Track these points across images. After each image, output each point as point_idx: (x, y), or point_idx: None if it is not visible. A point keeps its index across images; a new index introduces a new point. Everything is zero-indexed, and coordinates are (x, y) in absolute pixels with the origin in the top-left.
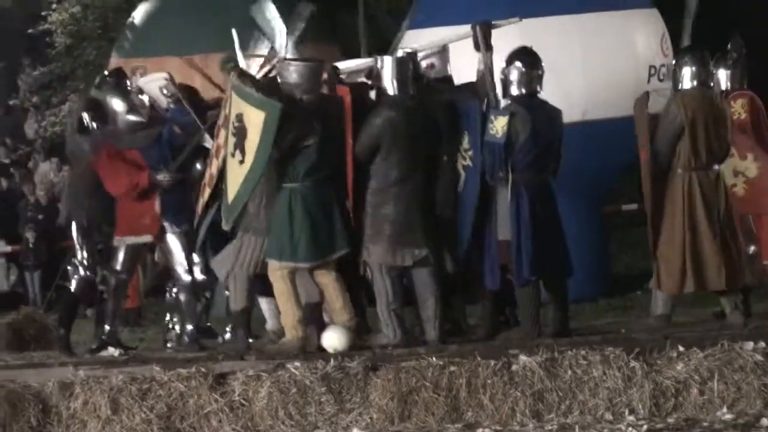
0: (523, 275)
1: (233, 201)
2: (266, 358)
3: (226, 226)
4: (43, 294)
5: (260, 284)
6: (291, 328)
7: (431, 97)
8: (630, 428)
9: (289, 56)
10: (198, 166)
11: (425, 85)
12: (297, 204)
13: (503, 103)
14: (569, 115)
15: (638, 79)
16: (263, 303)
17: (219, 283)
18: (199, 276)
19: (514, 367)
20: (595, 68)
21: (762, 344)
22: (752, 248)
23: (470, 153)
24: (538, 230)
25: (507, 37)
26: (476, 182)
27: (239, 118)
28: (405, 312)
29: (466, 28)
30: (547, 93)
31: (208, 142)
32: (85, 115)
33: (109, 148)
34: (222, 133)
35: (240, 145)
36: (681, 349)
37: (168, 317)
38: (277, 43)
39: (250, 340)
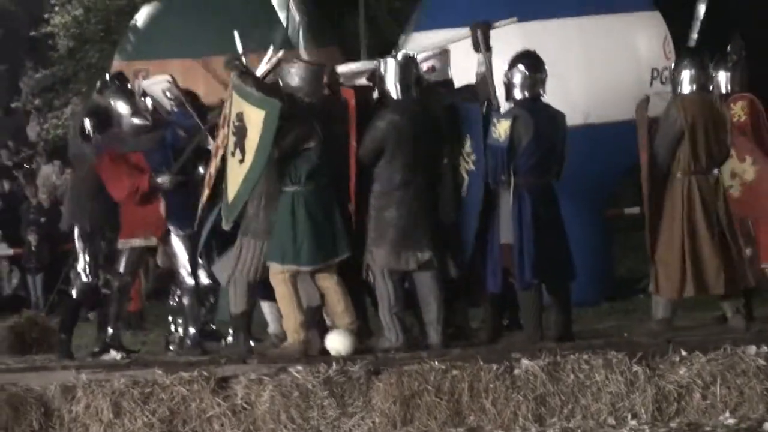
0: (525, 279)
1: (233, 200)
2: (268, 361)
3: (226, 226)
4: (45, 297)
5: (262, 288)
6: (293, 332)
7: (431, 100)
8: None
9: (290, 55)
10: (201, 169)
11: (425, 88)
12: (299, 207)
13: (504, 105)
14: (571, 119)
15: (640, 82)
16: (265, 307)
17: (223, 287)
18: (203, 280)
19: (516, 371)
20: (597, 71)
21: (765, 348)
22: (749, 251)
23: (473, 157)
24: (541, 233)
25: (509, 40)
26: (480, 186)
27: (239, 117)
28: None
29: (465, 30)
30: (549, 96)
31: (210, 145)
32: (87, 122)
33: (111, 151)
34: (221, 133)
35: (240, 144)
36: (683, 353)
37: (171, 320)
38: (289, 30)
39: (252, 344)
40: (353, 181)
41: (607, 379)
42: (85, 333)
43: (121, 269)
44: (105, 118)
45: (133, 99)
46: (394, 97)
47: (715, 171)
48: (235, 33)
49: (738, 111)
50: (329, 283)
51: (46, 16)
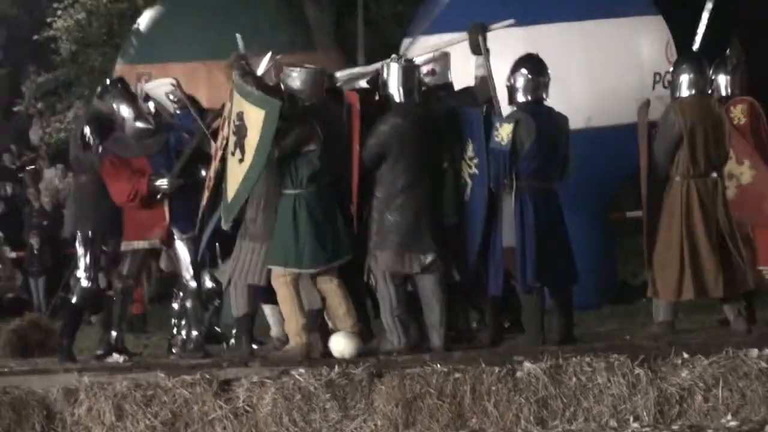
0: (527, 282)
1: (232, 200)
2: (270, 364)
3: (225, 226)
4: (47, 300)
5: (264, 291)
6: (295, 335)
7: (432, 103)
8: None
9: (291, 59)
10: (204, 172)
11: (425, 92)
12: (301, 210)
13: (507, 108)
14: (573, 122)
15: (643, 86)
16: (267, 310)
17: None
18: (207, 283)
19: (518, 374)
20: (600, 75)
21: (767, 351)
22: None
23: (475, 161)
24: (543, 237)
25: (512, 44)
26: (484, 190)
27: (240, 116)
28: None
29: (462, 33)
30: (551, 100)
31: (212, 148)
32: (87, 129)
33: (112, 156)
34: (221, 135)
35: (240, 144)
36: (685, 356)
37: (175, 323)
38: None
39: (255, 347)
40: (356, 184)
41: (609, 381)
42: (87, 336)
43: (125, 272)
44: (107, 123)
45: (135, 103)
46: (397, 101)
47: (714, 174)
48: (238, 36)
49: (738, 114)
50: (330, 286)
51: (48, 19)
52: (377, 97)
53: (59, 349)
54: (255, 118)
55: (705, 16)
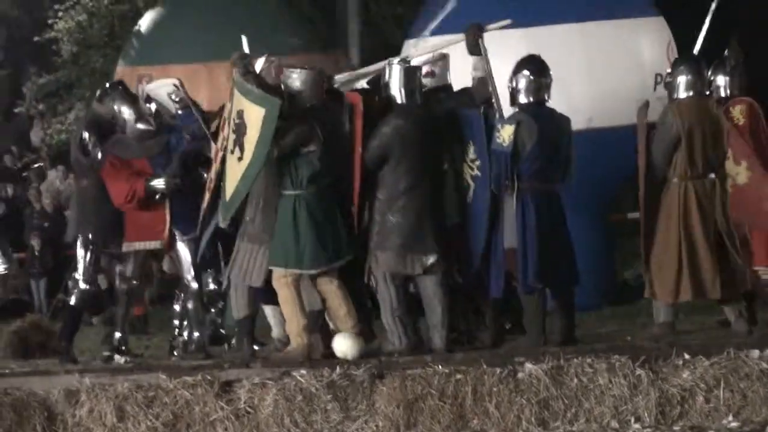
0: (528, 283)
1: (231, 198)
2: (272, 365)
3: (222, 224)
4: (48, 301)
5: (264, 292)
6: (296, 336)
7: (431, 105)
8: None
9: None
10: (205, 174)
11: (424, 93)
12: (301, 210)
13: (508, 110)
14: (574, 123)
15: (644, 87)
16: (268, 311)
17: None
18: (210, 285)
19: (519, 375)
20: (601, 76)
21: None
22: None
23: (477, 163)
24: (544, 238)
25: (514, 45)
26: (486, 192)
27: (239, 114)
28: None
29: (459, 35)
30: (552, 101)
31: (212, 150)
32: (86, 135)
33: (113, 157)
34: (221, 136)
35: (239, 142)
36: (687, 357)
37: (177, 324)
38: None
39: (256, 348)
40: (357, 185)
41: (610, 382)
42: (87, 337)
43: (129, 273)
44: (106, 127)
45: (137, 104)
46: (399, 102)
47: (712, 175)
48: (243, 38)
49: (737, 114)
50: (331, 287)
51: (50, 21)
52: (377, 98)
53: (59, 351)
54: (255, 116)
55: (708, 20)
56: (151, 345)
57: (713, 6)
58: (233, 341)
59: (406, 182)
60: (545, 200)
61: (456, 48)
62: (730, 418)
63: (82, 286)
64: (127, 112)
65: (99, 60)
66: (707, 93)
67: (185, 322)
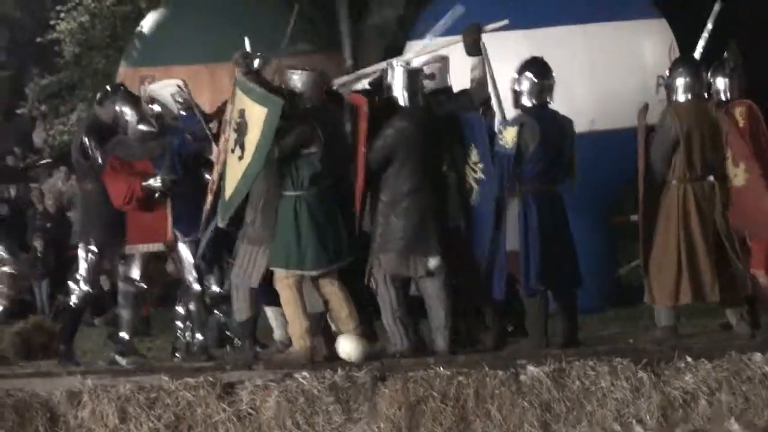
0: (530, 285)
1: (230, 197)
2: (274, 367)
3: (221, 224)
4: (50, 303)
5: (266, 294)
6: (299, 338)
7: (432, 107)
8: None
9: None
10: (207, 175)
11: (425, 95)
12: (303, 212)
13: (511, 112)
14: (576, 126)
15: (646, 89)
16: (269, 312)
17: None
18: (213, 287)
19: (522, 378)
20: (603, 78)
21: None
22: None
23: (481, 166)
24: (547, 240)
25: (515, 47)
26: (491, 195)
27: (241, 113)
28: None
29: (457, 36)
30: (555, 103)
31: (213, 152)
32: (86, 140)
33: (114, 159)
34: (223, 138)
35: (240, 141)
36: (689, 360)
37: (180, 325)
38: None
39: (258, 350)
40: (361, 187)
41: (612, 385)
42: (89, 338)
43: (136, 275)
44: (107, 129)
45: (139, 106)
46: (402, 104)
47: (711, 177)
48: (246, 39)
49: (737, 117)
50: (332, 289)
51: (52, 22)
52: (377, 99)
53: (59, 353)
54: (257, 115)
55: (710, 23)
56: (154, 346)
57: (716, 8)
58: (236, 342)
59: (409, 184)
60: (548, 202)
61: (455, 49)
62: (733, 421)
63: (84, 287)
64: (129, 114)
65: (101, 61)
66: (706, 95)
67: (188, 324)
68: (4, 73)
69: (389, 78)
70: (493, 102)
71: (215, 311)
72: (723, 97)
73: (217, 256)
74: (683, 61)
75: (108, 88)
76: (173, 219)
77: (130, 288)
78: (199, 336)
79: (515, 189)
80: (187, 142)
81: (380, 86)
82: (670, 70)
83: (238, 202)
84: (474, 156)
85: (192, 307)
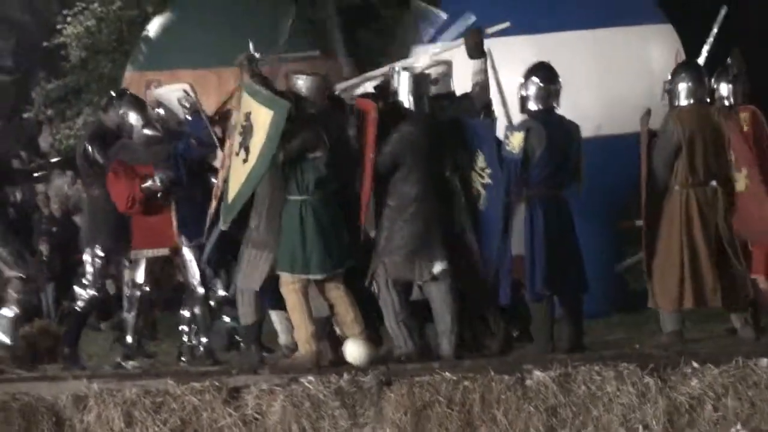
0: (536, 290)
1: (233, 200)
2: (280, 372)
3: (223, 226)
4: (56, 306)
5: (271, 298)
6: (304, 343)
7: (436, 112)
8: None
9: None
10: (213, 180)
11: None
12: (308, 216)
13: (518, 117)
14: (583, 131)
15: (652, 95)
16: (275, 317)
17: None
18: (220, 291)
19: (527, 383)
20: (609, 83)
21: None
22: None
23: (488, 171)
24: (553, 245)
25: (522, 52)
26: (499, 200)
27: (247, 116)
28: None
29: (459, 40)
30: (562, 108)
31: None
32: (89, 148)
33: (117, 163)
34: (228, 143)
35: (245, 144)
36: (695, 365)
37: (185, 329)
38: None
39: (265, 354)
40: (367, 192)
41: (618, 390)
42: (95, 342)
43: (140, 280)
44: (111, 136)
45: (145, 110)
46: (409, 110)
47: (713, 182)
48: (250, 43)
49: (740, 122)
50: (338, 294)
51: (58, 26)
52: (382, 104)
53: (63, 356)
54: (263, 118)
55: (715, 29)
56: (159, 351)
57: (722, 14)
58: (242, 347)
59: (417, 189)
60: (554, 207)
61: (458, 54)
62: (739, 426)
63: (90, 292)
64: (134, 118)
65: (107, 65)
66: (708, 101)
67: (192, 327)
68: (11, 77)
69: (395, 83)
70: (500, 107)
71: (225, 316)
72: (726, 103)
73: (223, 260)
74: (685, 66)
75: (113, 93)
76: (178, 223)
77: (136, 292)
78: (203, 339)
79: (521, 194)
80: (191, 147)
81: (385, 91)
82: (672, 75)
83: (241, 205)
84: (481, 161)
85: (196, 311)
